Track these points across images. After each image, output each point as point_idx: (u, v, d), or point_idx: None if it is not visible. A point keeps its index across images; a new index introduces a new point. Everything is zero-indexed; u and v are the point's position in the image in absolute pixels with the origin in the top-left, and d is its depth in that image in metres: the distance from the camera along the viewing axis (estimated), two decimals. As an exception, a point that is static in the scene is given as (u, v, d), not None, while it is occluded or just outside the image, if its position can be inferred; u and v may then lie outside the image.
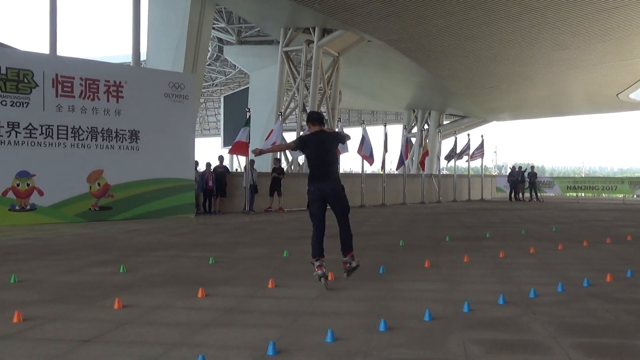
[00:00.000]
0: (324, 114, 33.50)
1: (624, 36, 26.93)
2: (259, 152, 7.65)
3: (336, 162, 7.57)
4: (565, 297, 6.52)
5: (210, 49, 45.87)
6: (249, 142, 20.95)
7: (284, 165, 29.48)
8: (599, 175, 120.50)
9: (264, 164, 32.24)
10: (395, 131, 64.38)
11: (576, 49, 28.89)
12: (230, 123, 58.46)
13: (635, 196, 34.79)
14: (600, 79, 36.00)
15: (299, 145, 7.45)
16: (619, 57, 30.42)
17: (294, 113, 36.32)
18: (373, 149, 24.72)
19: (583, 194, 37.30)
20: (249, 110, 22.00)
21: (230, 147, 21.67)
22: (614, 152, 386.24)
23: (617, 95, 40.42)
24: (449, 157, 32.21)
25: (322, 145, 7.31)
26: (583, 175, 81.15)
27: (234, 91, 62.60)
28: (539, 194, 33.22)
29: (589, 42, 27.82)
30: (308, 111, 30.68)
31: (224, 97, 64.40)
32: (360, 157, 24.81)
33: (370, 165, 25.24)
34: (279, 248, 10.73)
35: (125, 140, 17.66)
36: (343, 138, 7.62)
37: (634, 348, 4.65)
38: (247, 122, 21.26)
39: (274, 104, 33.31)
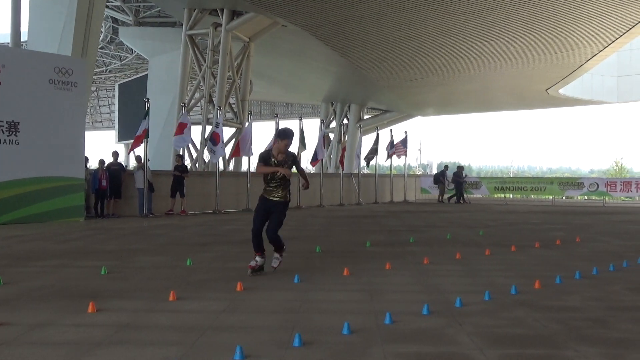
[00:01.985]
0: (233, 105, 33.33)
1: (555, 28, 28.05)
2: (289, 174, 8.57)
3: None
4: (492, 305, 6.74)
5: (103, 30, 44.71)
6: (147, 136, 20.58)
7: (187, 162, 29.13)
8: (527, 175, 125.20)
9: (164, 162, 31.79)
10: (312, 125, 64.66)
11: (505, 40, 29.88)
12: (126, 114, 57.30)
13: (564, 197, 36.37)
14: (530, 73, 37.35)
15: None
16: (549, 50, 31.66)
17: (199, 104, 35.89)
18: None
19: (511, 195, 38.66)
20: (148, 101, 21.59)
21: (128, 142, 21.28)
22: (543, 150, 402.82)
23: (546, 90, 42.04)
24: (368, 158, 32.58)
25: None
26: (511, 175, 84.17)
27: (131, 79, 61.33)
28: (465, 196, 34.17)
29: (519, 33, 28.81)
30: (215, 102, 30.49)
31: (119, 85, 62.99)
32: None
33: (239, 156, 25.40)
34: (181, 256, 10.59)
35: (3, 133, 16.99)
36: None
37: (562, 359, 4.86)
38: (146, 114, 20.88)
39: (176, 94, 32.82)
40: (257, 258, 8.72)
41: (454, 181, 33.83)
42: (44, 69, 18.00)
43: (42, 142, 17.71)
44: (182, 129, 22.43)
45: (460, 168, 34.95)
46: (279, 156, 8.61)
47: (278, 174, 8.53)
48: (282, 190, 8.70)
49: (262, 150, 9.18)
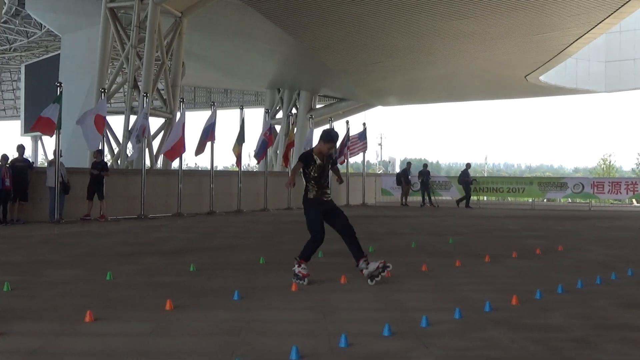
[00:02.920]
0: (162, 91, 33.05)
1: (535, 6, 28.51)
2: (291, 184, 9.91)
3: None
4: (463, 324, 6.81)
5: (6, 0, 43.89)
6: (60, 125, 20.26)
7: (107, 158, 28.79)
8: (504, 174, 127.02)
9: (80, 158, 31.34)
10: (255, 116, 64.47)
11: (478, 19, 30.22)
12: (33, 101, 56.25)
13: (545, 200, 36.97)
14: (506, 58, 37.87)
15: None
16: (528, 32, 32.17)
17: (121, 90, 35.45)
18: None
19: (485, 198, 39.11)
20: (60, 85, 21.26)
21: (37, 134, 20.93)
22: (521, 146, 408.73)
23: (525, 77, 42.70)
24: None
25: None
26: (486, 175, 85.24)
27: (40, 59, 60.30)
28: (432, 198, 34.47)
29: (494, 11, 29.19)
30: (140, 87, 30.17)
31: (26, 66, 61.85)
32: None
33: (200, 153, 25.14)
34: (99, 269, 10.46)
35: None
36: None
37: (542, 385, 4.93)
38: (58, 100, 20.56)
39: (94, 77, 32.39)
40: (304, 265, 9.46)
41: (462, 182, 33.72)
42: None
43: None
44: (100, 123, 21.95)
45: (468, 166, 34.54)
46: (324, 158, 9.70)
47: (314, 173, 9.64)
48: (328, 187, 9.89)
49: (305, 152, 10.16)
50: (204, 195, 26.16)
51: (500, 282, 9.58)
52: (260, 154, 27.90)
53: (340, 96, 54.72)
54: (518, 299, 7.99)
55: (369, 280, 9.25)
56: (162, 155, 33.08)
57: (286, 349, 5.68)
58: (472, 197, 33.60)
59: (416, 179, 35.06)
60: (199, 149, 24.74)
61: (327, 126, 33.67)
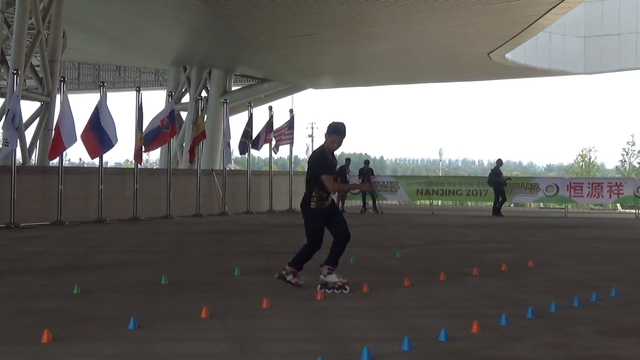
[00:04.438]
0: (37, 68, 32.56)
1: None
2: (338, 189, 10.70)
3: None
4: (414, 357, 6.88)
5: None
6: None
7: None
8: (462, 173, 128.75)
9: None
10: (156, 99, 63.91)
11: (432, -18, 30.53)
12: None
13: (512, 205, 37.47)
14: (466, 30, 38.25)
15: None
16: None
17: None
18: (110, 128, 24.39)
19: (440, 202, 39.51)
20: None
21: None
22: (483, 139, 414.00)
23: (488, 54, 43.23)
24: (243, 147, 32.31)
25: None
26: (440, 174, 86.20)
27: None
28: (377, 202, 34.63)
29: (450, -27, 29.50)
30: (9, 63, 29.66)
31: None
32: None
33: (95, 156, 24.83)
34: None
35: None
36: None
37: None
38: None
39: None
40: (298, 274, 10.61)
41: (493, 183, 33.50)
42: None
43: None
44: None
45: (499, 162, 34.26)
46: (332, 156, 10.38)
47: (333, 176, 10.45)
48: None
49: (316, 153, 10.71)
50: (91, 198, 25.80)
51: (459, 305, 9.69)
52: (149, 142, 27.41)
53: (261, 76, 54.62)
54: (479, 325, 8.09)
55: (318, 286, 10.34)
56: (37, 148, 32.64)
57: (195, 390, 5.67)
58: (425, 201, 33.78)
59: (356, 178, 35.20)
60: (96, 150, 24.26)
61: (244, 113, 33.62)
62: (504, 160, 35.17)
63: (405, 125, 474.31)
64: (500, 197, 33.32)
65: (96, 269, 13.19)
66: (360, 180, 34.10)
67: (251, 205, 32.90)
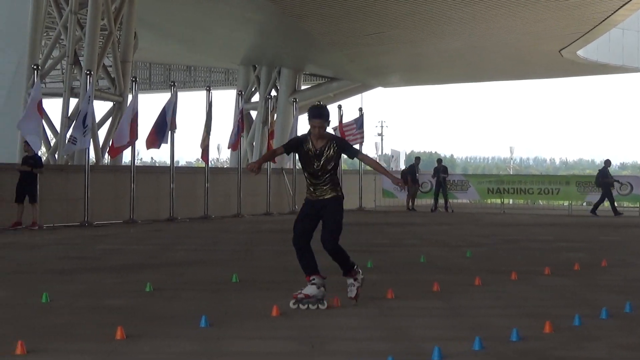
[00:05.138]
0: (109, 68, 32.94)
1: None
2: (256, 168, 9.52)
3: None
4: (485, 357, 6.82)
5: None
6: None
7: (41, 152, 28.67)
8: (534, 171, 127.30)
9: (7, 151, 31.23)
10: (226, 99, 64.24)
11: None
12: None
13: (585, 204, 36.91)
14: (537, 28, 37.85)
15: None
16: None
17: (58, 67, 35.35)
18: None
19: (511, 201, 39.10)
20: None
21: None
22: (555, 137, 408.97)
23: (559, 52, 42.72)
24: None
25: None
26: (511, 173, 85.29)
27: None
28: (448, 201, 34.39)
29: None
30: (83, 63, 30.07)
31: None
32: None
33: (156, 147, 25.04)
34: (32, 289, 10.42)
35: None
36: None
37: None
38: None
39: (24, 51, 32.27)
40: (316, 280, 9.43)
41: (601, 184, 32.75)
42: None
43: None
44: (36, 108, 21.85)
45: (607, 163, 33.53)
46: (318, 143, 9.33)
47: (315, 165, 9.32)
48: (333, 185, 9.50)
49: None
50: (162, 197, 26.06)
51: (530, 305, 9.59)
52: (234, 140, 27.79)
53: (330, 75, 54.62)
54: (552, 325, 7.98)
55: (291, 302, 9.27)
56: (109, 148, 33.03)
57: (265, 388, 5.68)
58: (496, 200, 33.47)
59: (428, 177, 35.05)
60: (152, 141, 24.52)
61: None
62: (575, 158, 34.91)
63: (475, 123, 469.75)
64: (605, 198, 32.42)
65: (168, 267, 13.31)
66: (436, 178, 33.93)
67: (321, 204, 32.82)
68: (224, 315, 8.67)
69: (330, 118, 9.73)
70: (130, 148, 24.80)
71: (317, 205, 9.51)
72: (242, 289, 10.67)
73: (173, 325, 8.07)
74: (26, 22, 32.29)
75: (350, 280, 9.57)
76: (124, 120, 23.90)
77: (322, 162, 9.31)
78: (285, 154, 9.95)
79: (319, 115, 9.40)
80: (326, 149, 9.30)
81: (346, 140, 9.98)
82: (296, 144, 9.52)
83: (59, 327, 8.01)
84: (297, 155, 9.62)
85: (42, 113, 21.90)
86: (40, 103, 22.11)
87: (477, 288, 10.92)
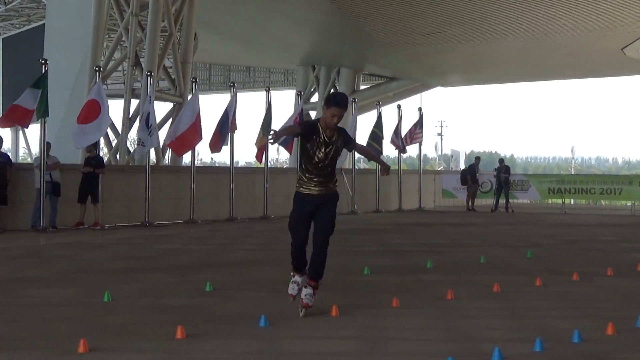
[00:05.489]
0: (170, 69, 33.21)
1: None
2: (274, 138, 8.72)
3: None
4: (546, 359, 6.78)
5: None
6: (45, 112, 20.43)
7: (103, 152, 29.00)
8: (595, 171, 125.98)
9: (70, 151, 31.60)
10: (285, 99, 64.47)
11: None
12: (13, 82, 56.88)
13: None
14: (599, 25, 37.45)
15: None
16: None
17: (120, 68, 35.73)
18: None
19: (572, 201, 38.70)
20: (45, 63, 21.48)
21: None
22: (618, 136, 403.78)
23: (622, 49, 42.22)
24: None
25: None
26: (572, 172, 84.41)
27: (21, 30, 60.92)
28: (509, 201, 34.15)
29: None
30: (143, 65, 30.35)
31: (4, 39, 62.57)
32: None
33: (218, 151, 25.28)
34: (95, 288, 10.54)
35: None
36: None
37: None
38: (41, 82, 20.68)
39: (87, 53, 32.66)
40: (297, 278, 9.06)
41: None
42: None
43: None
44: (92, 111, 21.96)
45: None
46: (327, 132, 8.76)
47: (322, 155, 8.71)
48: (333, 179, 8.99)
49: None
50: (222, 197, 26.20)
51: (592, 306, 9.50)
52: (288, 142, 27.80)
53: (389, 75, 54.53)
54: (614, 327, 7.90)
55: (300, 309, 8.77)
56: (169, 148, 33.32)
57: (324, 388, 5.69)
58: (557, 200, 33.19)
59: (488, 177, 34.87)
60: (215, 144, 24.72)
61: (373, 112, 33.59)
62: (638, 158, 34.55)
63: (536, 122, 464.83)
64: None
65: (227, 267, 13.39)
66: (497, 178, 33.74)
67: (380, 204, 32.87)
68: (283, 315, 8.69)
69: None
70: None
71: (314, 201, 8.88)
72: (301, 289, 10.68)
73: (233, 325, 8.12)
74: (88, 25, 32.66)
75: (309, 290, 8.83)
76: (184, 120, 24.00)
77: (331, 152, 8.77)
78: (300, 135, 8.98)
79: (343, 104, 8.79)
80: (334, 139, 8.78)
81: (348, 133, 9.17)
82: (311, 129, 8.79)
83: (121, 326, 8.10)
84: (302, 143, 8.92)
85: (100, 112, 21.95)
86: (98, 103, 22.15)
87: (537, 289, 10.84)
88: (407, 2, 33.19)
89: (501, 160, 35.45)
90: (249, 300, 9.74)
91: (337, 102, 8.70)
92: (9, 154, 22.40)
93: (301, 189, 8.98)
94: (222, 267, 13.31)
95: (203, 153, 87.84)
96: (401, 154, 33.80)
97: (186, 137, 23.78)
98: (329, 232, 8.87)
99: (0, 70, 62.78)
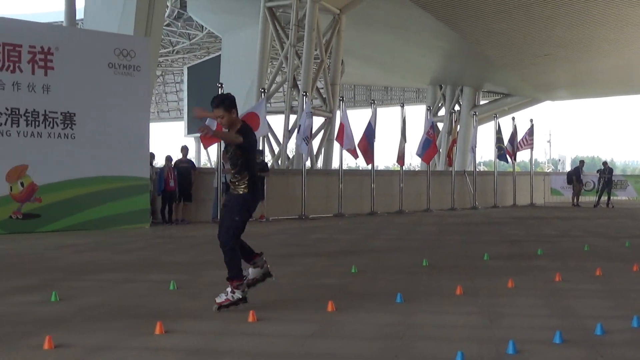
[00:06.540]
0: (321, 90, 33.54)
1: None
2: (205, 132, 7.49)
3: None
4: (643, 334, 6.55)
5: (169, 3, 45.83)
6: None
7: (267, 159, 29.49)
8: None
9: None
10: (417, 113, 64.30)
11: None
12: (196, 103, 58.47)
13: None
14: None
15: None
16: None
17: (281, 89, 36.34)
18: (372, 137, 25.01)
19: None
20: (222, 86, 22.00)
21: (200, 134, 21.57)
22: None
23: None
24: (501, 156, 32.02)
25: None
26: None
27: (201, 60, 62.57)
28: (611, 198, 33.30)
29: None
30: (300, 86, 30.77)
31: (188, 68, 64.40)
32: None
33: (356, 158, 25.39)
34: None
35: (57, 126, 17.63)
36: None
37: None
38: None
39: (254, 77, 33.31)
40: (250, 270, 8.04)
41: None
42: (102, 51, 18.53)
43: (101, 136, 18.22)
44: (252, 122, 22.36)
45: None
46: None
47: (228, 152, 7.61)
48: (241, 177, 7.61)
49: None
50: (364, 195, 26.33)
51: (684, 289, 9.14)
52: (424, 152, 27.75)
53: (505, 91, 53.83)
54: None
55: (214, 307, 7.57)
56: (322, 155, 33.76)
57: (450, 355, 5.64)
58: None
59: (591, 177, 34.05)
60: (367, 156, 24.96)
61: (491, 123, 33.19)
62: None
63: (633, 130, 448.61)
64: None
65: (369, 253, 13.40)
66: (602, 179, 32.90)
67: (497, 201, 32.46)
68: (415, 293, 8.65)
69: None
70: (339, 154, 25.35)
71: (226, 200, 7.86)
72: (430, 272, 10.62)
73: (374, 301, 8.13)
74: (255, 55, 33.30)
75: (229, 289, 7.59)
76: (346, 132, 24.32)
77: (229, 153, 7.60)
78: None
79: (214, 104, 7.55)
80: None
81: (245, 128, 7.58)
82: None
83: (281, 300, 8.23)
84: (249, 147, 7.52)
85: (259, 124, 22.27)
86: (257, 116, 22.42)
87: (635, 274, 10.48)
88: (520, 30, 32.63)
89: (605, 163, 34.57)
90: (387, 280, 9.73)
91: (211, 104, 7.57)
92: (193, 160, 22.94)
93: (250, 193, 7.61)
94: (365, 253, 13.33)
95: (349, 159, 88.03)
96: (515, 158, 33.43)
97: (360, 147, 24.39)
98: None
99: (186, 93, 64.61)
